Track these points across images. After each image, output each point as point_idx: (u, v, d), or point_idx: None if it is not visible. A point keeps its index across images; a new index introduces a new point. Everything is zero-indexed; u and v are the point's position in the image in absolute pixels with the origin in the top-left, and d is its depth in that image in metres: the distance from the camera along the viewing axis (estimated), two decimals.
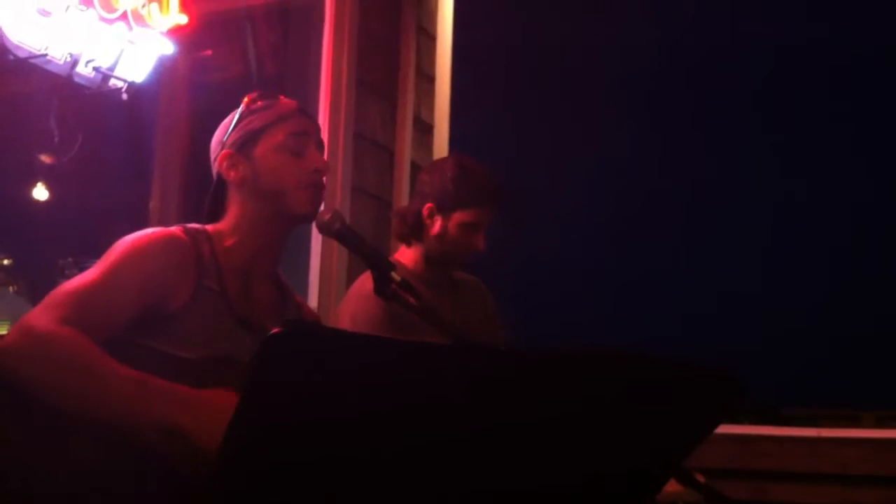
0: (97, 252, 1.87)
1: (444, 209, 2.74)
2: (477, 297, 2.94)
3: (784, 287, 8.07)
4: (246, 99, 2.05)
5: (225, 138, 2.03)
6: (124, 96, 4.08)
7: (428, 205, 2.75)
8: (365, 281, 2.67)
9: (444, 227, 2.74)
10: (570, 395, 1.24)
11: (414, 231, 2.79)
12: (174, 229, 1.93)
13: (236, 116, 2.03)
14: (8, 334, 1.67)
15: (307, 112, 2.09)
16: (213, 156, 2.06)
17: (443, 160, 2.87)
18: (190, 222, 2.00)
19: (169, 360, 1.78)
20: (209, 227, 1.99)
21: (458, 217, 2.73)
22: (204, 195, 2.09)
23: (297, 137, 2.00)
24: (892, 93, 7.64)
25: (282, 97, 2.08)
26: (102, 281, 1.77)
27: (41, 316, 1.67)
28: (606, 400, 1.27)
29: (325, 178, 2.04)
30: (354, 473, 1.18)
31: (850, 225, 8.12)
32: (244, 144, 2.00)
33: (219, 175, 2.04)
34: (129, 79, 4.06)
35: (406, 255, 2.82)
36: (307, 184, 1.98)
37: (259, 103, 2.04)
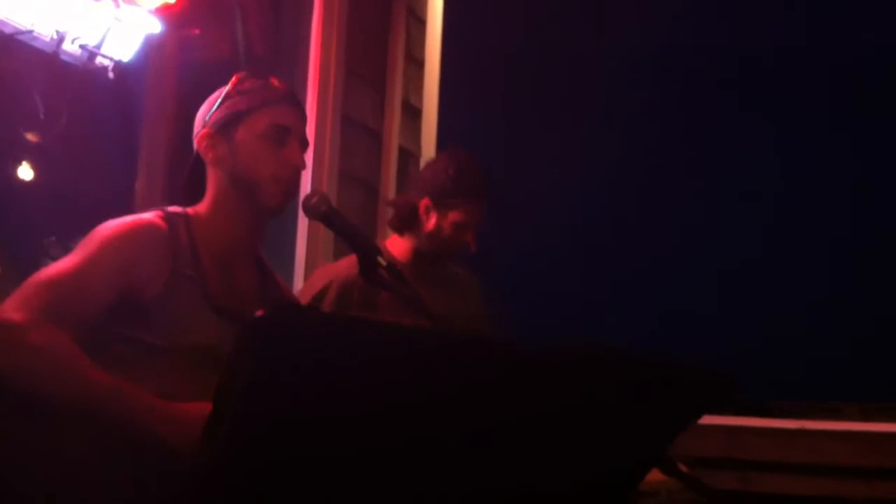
0: (82, 231, 1.86)
1: (440, 206, 2.76)
2: (465, 294, 2.95)
3: (774, 281, 8.09)
4: (234, 78, 2.02)
5: (208, 116, 2.00)
6: (111, 75, 4.04)
7: (424, 201, 2.76)
8: (343, 260, 2.69)
9: (438, 225, 2.76)
10: (563, 390, 1.23)
11: (407, 223, 2.80)
12: (152, 217, 1.90)
13: (222, 95, 2.00)
14: None
15: (296, 99, 2.05)
16: (195, 131, 2.04)
17: (443, 156, 2.86)
18: (175, 203, 1.99)
19: (146, 347, 1.77)
20: (189, 209, 1.97)
21: (453, 216, 2.75)
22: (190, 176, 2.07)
23: (280, 129, 1.97)
24: (891, 91, 7.66)
25: (273, 79, 2.04)
26: (78, 271, 1.75)
27: (17, 307, 1.65)
28: (599, 396, 1.26)
29: (304, 163, 2.02)
30: (344, 465, 1.17)
31: (845, 221, 8.14)
32: (226, 125, 1.97)
33: (198, 153, 2.02)
34: (116, 57, 4.03)
35: (396, 244, 2.84)
36: (282, 178, 1.96)
37: (247, 84, 2.00)
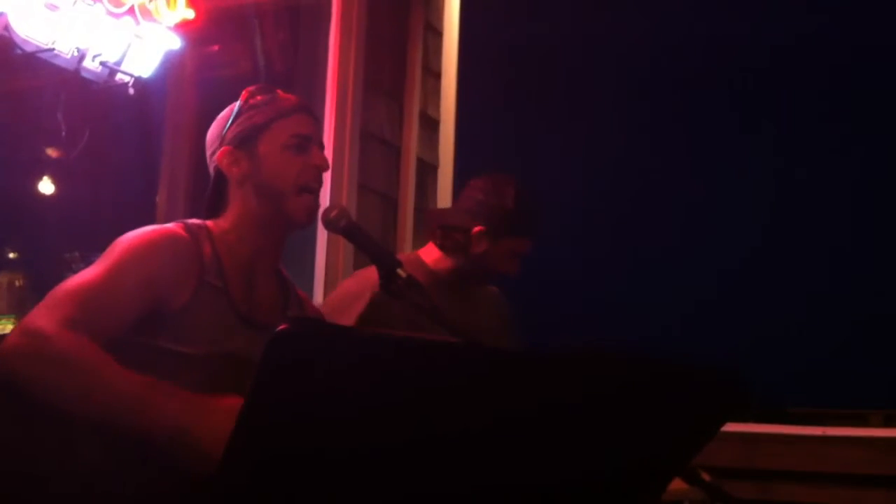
0: (103, 246, 1.85)
1: (495, 234, 2.72)
2: (492, 308, 2.92)
3: (790, 283, 8.06)
4: (244, 93, 2.03)
5: (224, 133, 2.01)
6: (131, 91, 4.08)
7: (479, 228, 2.72)
8: (371, 269, 2.67)
9: (489, 250, 2.72)
10: (570, 393, 1.24)
11: (458, 246, 2.76)
12: (174, 226, 1.91)
13: (234, 111, 2.01)
14: (10, 336, 1.64)
15: (307, 107, 2.07)
16: (209, 150, 2.04)
17: (501, 182, 2.78)
18: (194, 217, 2.00)
19: (172, 357, 1.77)
20: (210, 222, 1.98)
21: (507, 244, 2.72)
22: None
23: (301, 138, 1.99)
24: (889, 88, 7.64)
25: (279, 91, 2.06)
26: (104, 280, 1.74)
27: (43, 317, 1.64)
28: (606, 397, 1.26)
29: (324, 175, 2.04)
30: (357, 471, 1.18)
31: (856, 222, 8.11)
32: (245, 140, 1.98)
33: (218, 170, 2.02)
34: (136, 73, 4.06)
35: (431, 255, 2.79)
36: (308, 182, 1.97)
37: (258, 98, 2.01)
